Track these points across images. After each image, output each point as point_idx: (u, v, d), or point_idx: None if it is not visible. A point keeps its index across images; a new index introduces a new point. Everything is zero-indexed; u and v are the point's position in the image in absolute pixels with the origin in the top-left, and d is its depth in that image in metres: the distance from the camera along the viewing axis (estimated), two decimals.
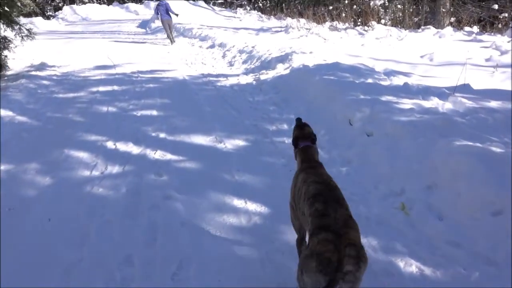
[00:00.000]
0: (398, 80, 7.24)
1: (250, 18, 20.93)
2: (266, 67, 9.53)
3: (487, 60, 8.99)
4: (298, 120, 2.97)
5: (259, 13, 23.05)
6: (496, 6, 14.19)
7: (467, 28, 13.42)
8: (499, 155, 3.32)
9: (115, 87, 9.11)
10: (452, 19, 15.46)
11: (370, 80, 6.71)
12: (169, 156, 5.04)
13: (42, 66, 11.77)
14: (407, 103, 5.33)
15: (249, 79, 9.16)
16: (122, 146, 5.46)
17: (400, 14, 17.03)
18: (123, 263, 3.05)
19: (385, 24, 15.35)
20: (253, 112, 6.70)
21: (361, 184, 4.04)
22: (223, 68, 10.91)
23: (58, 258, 3.16)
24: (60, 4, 38.18)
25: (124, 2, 37.29)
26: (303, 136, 2.79)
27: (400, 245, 3.07)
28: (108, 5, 35.84)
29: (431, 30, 13.24)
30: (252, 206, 3.78)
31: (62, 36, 21.46)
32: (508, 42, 10.51)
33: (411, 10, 16.80)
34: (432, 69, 8.39)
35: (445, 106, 5.49)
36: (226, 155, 5.05)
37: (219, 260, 3.05)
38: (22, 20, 12.58)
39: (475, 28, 13.64)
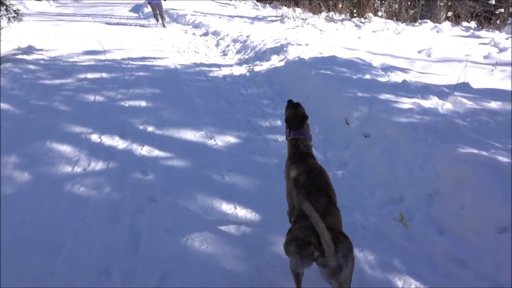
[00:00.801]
0: (396, 77, 7.02)
1: (245, 6, 20.54)
2: (260, 58, 9.27)
3: (485, 57, 8.81)
4: (290, 101, 3.14)
5: (254, 1, 22.63)
6: (493, 1, 14.00)
7: (464, 23, 13.22)
8: (506, 165, 3.12)
9: (104, 75, 8.80)
10: (450, 13, 15.25)
11: (367, 76, 6.48)
12: (156, 153, 4.80)
13: (29, 50, 11.38)
14: (406, 103, 5.12)
15: (242, 70, 8.89)
16: (107, 140, 5.20)
17: (396, 7, 16.79)
18: (100, 275, 2.82)
19: (381, 17, 15.10)
20: (246, 106, 6.46)
21: (358, 189, 3.84)
22: (216, 57, 10.61)
23: (29, 269, 2.92)
24: None
25: None
26: (296, 117, 2.95)
27: (398, 261, 2.88)
28: None
29: (428, 24, 13.03)
30: (242, 212, 3.55)
31: (52, 18, 20.98)
32: (507, 39, 10.33)
33: (408, 2, 16.56)
34: (430, 66, 8.19)
35: (445, 106, 5.29)
36: (216, 153, 4.81)
37: (205, 274, 2.83)
38: (11, 0, 12.16)
39: (473, 24, 13.46)
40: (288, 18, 14.89)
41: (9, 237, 3.28)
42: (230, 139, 5.21)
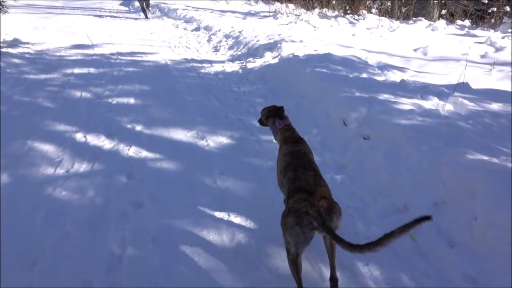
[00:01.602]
0: (393, 76, 6.83)
1: (237, 1, 20.21)
2: (253, 55, 9.02)
3: (482, 56, 8.66)
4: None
5: None
6: (485, 0, 13.88)
7: (459, 22, 13.08)
8: None
9: (92, 70, 8.50)
10: (444, 11, 15.12)
11: (364, 75, 6.28)
12: (144, 154, 4.54)
13: (15, 43, 11.02)
14: (406, 103, 4.91)
15: (235, 66, 8.64)
16: (92, 139, 4.93)
17: (389, 4, 16.61)
18: None
19: (375, 14, 14.91)
20: (238, 104, 6.21)
21: (358, 196, 3.62)
22: (208, 53, 10.34)
23: (3, 282, 2.67)
24: None
25: None
26: (279, 109, 3.26)
27: (406, 277, 2.67)
28: None
29: (423, 22, 12.86)
30: (236, 220, 3.32)
31: (41, 10, 20.51)
32: (503, 38, 10.19)
33: (401, 0, 16.39)
34: (427, 64, 8.01)
35: (446, 107, 5.11)
36: (207, 154, 4.57)
37: None
38: None
39: (467, 22, 13.33)
40: (281, 14, 14.62)
41: None
42: (222, 139, 4.97)
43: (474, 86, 6.29)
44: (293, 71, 6.82)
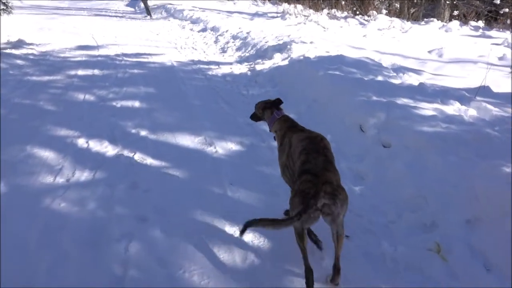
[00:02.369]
0: (410, 79, 6.55)
1: (245, 1, 19.95)
2: (262, 56, 8.75)
3: (500, 58, 8.34)
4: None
5: None
6: (498, 1, 13.53)
7: (473, 23, 12.75)
8: None
9: (96, 71, 8.27)
10: (456, 12, 14.79)
11: (380, 78, 6.00)
12: (149, 161, 4.28)
13: (19, 44, 10.81)
14: (427, 108, 4.63)
15: (243, 68, 8.37)
16: (95, 145, 4.68)
17: (397, 6, 16.29)
18: None
19: (385, 15, 14.60)
20: (247, 107, 5.90)
21: (380, 210, 3.33)
22: (215, 54, 10.09)
23: None
24: None
25: None
26: (274, 101, 3.30)
27: None
28: None
29: (435, 23, 12.54)
30: (248, 237, 3.04)
31: (47, 11, 20.37)
32: None
33: (411, 1, 16.07)
34: (443, 67, 7.70)
35: (469, 112, 4.81)
36: (216, 162, 4.30)
37: None
38: None
39: (480, 23, 13.01)
40: (290, 14, 14.34)
41: None
42: (232, 146, 4.70)
43: (495, 89, 6.00)
44: (304, 73, 6.55)
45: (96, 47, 11.03)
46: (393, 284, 2.56)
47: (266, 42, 9.46)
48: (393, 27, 11.89)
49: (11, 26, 13.00)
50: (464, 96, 5.37)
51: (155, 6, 20.20)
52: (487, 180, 2.94)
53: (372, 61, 7.09)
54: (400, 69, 7.18)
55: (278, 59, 8.15)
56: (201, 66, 8.75)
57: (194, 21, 15.00)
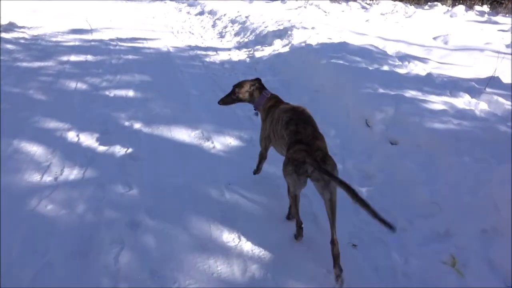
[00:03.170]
0: (416, 68, 6.28)
1: None
2: (261, 42, 8.45)
3: (507, 46, 8.08)
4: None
5: None
6: None
7: (478, 8, 12.42)
8: None
9: (89, 57, 7.97)
10: None
11: (385, 67, 5.74)
12: (142, 157, 4.04)
13: (10, 27, 10.46)
14: (436, 102, 4.39)
15: (242, 55, 8.08)
16: (86, 139, 4.43)
17: None
18: None
19: None
20: None
21: (390, 215, 3.04)
22: (212, 39, 9.77)
23: None
24: None
25: None
26: (262, 84, 3.46)
27: None
28: None
29: (439, 7, 12.24)
30: (248, 246, 2.82)
31: None
32: None
33: None
34: (449, 55, 7.44)
35: (480, 106, 4.58)
36: (214, 159, 4.07)
37: None
38: None
39: (485, 8, 12.68)
40: None
41: None
42: (230, 140, 4.47)
43: (504, 80, 5.74)
44: (306, 61, 6.28)
45: (90, 31, 10.70)
46: None
47: (265, 27, 9.15)
48: (396, 11, 11.59)
49: (2, 8, 12.60)
50: (474, 87, 5.13)
51: None
52: (506, 186, 2.71)
53: (376, 48, 6.81)
54: (405, 57, 6.91)
55: (279, 46, 7.86)
56: (198, 52, 8.45)
57: (191, 4, 14.63)
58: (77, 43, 9.30)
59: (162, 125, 4.77)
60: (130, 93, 5.88)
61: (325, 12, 11.61)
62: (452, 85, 5.12)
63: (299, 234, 2.83)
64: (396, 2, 12.68)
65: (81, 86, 6.22)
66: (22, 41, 9.36)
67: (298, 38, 7.82)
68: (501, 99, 4.68)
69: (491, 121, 3.97)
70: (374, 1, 13.19)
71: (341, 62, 5.75)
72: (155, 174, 3.76)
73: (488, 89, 5.12)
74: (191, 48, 8.84)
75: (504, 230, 2.61)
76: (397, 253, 2.73)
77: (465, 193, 2.93)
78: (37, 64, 7.46)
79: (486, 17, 10.93)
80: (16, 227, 2.99)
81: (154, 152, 4.16)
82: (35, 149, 4.20)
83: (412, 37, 8.68)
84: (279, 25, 9.18)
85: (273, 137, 3.05)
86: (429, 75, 5.48)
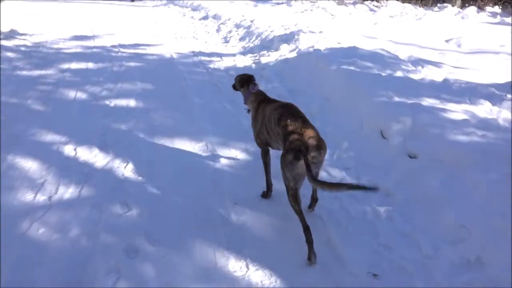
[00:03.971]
0: (430, 73, 5.99)
1: None
2: (267, 47, 8.20)
3: None
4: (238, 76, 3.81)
5: None
6: None
7: (489, 9, 12.11)
8: None
9: (90, 65, 7.76)
10: None
11: (399, 73, 5.45)
12: (143, 174, 3.78)
13: (11, 34, 10.28)
14: (456, 111, 4.11)
15: (247, 61, 7.83)
16: (84, 153, 4.19)
17: None
18: None
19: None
20: None
21: (413, 241, 2.81)
22: (217, 45, 9.53)
23: None
24: None
25: None
26: (251, 79, 3.65)
27: None
28: None
29: (449, 9, 11.93)
30: (257, 276, 2.55)
31: None
32: None
33: None
34: (463, 58, 7.16)
35: (502, 115, 4.29)
36: (219, 175, 3.80)
37: None
38: None
39: (497, 9, 12.36)
40: (296, 0, 13.72)
41: None
42: (236, 153, 4.21)
43: None
44: (315, 67, 6.02)
45: (92, 37, 10.51)
46: None
47: (271, 32, 8.90)
48: (406, 13, 11.30)
49: (5, 15, 12.45)
50: (494, 94, 4.84)
51: None
52: None
53: (388, 53, 6.53)
54: (418, 62, 6.62)
55: (285, 51, 7.60)
56: (202, 58, 8.21)
57: (195, 8, 14.43)
58: (78, 50, 9.11)
59: (164, 138, 4.52)
60: (131, 102, 5.65)
61: (332, 15, 11.34)
62: (471, 92, 4.84)
63: (309, 238, 2.68)
64: (405, 4, 12.39)
65: (80, 95, 5.99)
66: (23, 48, 9.18)
67: (305, 42, 7.56)
68: None
69: None
70: (382, 2, 12.90)
71: (352, 68, 5.48)
72: (155, 192, 3.51)
73: (509, 95, 4.82)
74: (195, 54, 8.60)
75: None
76: (422, 283, 2.44)
77: (495, 215, 2.64)
78: (37, 72, 7.26)
79: (498, 18, 10.62)
80: (4, 253, 2.75)
81: (155, 167, 3.91)
82: (30, 165, 3.97)
83: (423, 40, 8.39)
84: (285, 29, 8.92)
85: (268, 136, 3.21)
86: (445, 80, 5.19)
